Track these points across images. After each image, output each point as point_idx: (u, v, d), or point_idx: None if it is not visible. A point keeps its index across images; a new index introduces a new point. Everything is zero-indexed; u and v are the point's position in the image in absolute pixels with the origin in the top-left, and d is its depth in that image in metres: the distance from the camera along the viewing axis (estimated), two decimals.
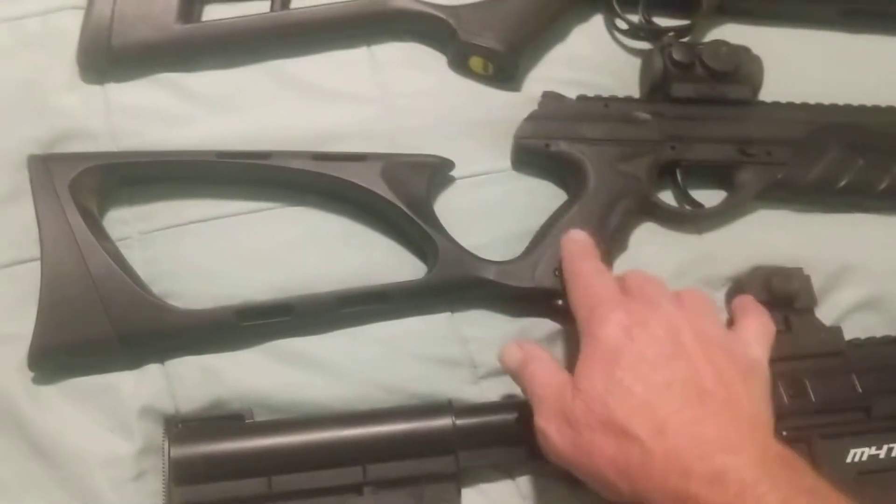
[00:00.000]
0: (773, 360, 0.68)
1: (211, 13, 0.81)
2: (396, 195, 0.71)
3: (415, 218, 0.71)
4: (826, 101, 0.81)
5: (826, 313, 0.75)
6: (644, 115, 0.78)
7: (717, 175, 0.79)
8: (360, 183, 0.71)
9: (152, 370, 0.69)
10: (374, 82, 0.81)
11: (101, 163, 0.70)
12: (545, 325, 0.73)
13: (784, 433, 0.66)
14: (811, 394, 0.67)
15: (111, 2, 0.76)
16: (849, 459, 0.66)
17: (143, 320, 0.67)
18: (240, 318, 0.68)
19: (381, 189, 0.71)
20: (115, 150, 0.74)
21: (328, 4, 0.79)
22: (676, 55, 0.79)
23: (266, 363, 0.69)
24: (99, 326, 0.65)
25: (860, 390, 0.68)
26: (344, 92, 0.80)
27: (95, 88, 0.77)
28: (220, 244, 0.73)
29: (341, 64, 0.81)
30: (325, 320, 0.70)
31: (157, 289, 0.71)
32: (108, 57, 0.76)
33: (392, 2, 0.80)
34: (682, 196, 0.79)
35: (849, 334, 0.72)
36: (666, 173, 0.79)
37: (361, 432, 0.65)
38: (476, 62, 0.80)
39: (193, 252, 0.73)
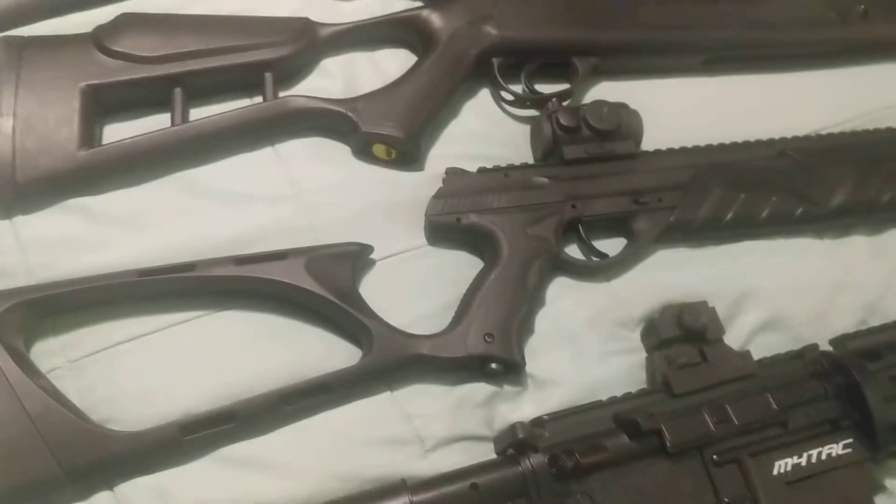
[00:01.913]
0: (696, 391, 0.74)
1: (111, 133, 0.82)
2: (323, 287, 0.74)
3: (345, 306, 0.74)
4: (702, 143, 0.89)
5: (733, 339, 0.81)
6: (542, 180, 0.83)
7: (617, 225, 0.85)
8: (285, 280, 0.73)
9: (103, 498, 0.68)
10: (283, 180, 0.83)
11: (22, 299, 0.70)
12: (483, 389, 0.76)
13: (715, 457, 0.71)
14: (733, 417, 0.72)
15: (10, 138, 0.76)
16: (775, 472, 0.72)
17: (87, 451, 0.66)
18: (184, 433, 0.69)
19: (308, 283, 0.73)
20: (34, 283, 0.74)
21: (229, 112, 0.82)
22: (563, 120, 0.84)
23: (216, 473, 0.70)
24: (43, 464, 0.65)
25: (776, 407, 0.73)
26: (256, 193, 0.82)
27: (4, 225, 0.77)
28: (152, 361, 0.74)
29: (249, 166, 0.83)
30: (270, 420, 0.71)
31: (95, 416, 0.70)
32: (14, 193, 0.76)
33: (291, 102, 0.83)
34: (588, 249, 0.84)
35: (756, 355, 0.77)
36: (570, 230, 0.84)
37: None
38: (379, 149, 0.84)
39: (127, 373, 0.73)
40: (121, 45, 0.82)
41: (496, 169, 0.84)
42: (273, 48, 0.84)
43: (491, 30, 0.88)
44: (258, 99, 0.85)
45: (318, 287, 0.73)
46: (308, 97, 0.84)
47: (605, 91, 0.94)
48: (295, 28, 0.86)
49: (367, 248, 0.79)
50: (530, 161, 0.87)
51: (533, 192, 0.82)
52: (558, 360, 0.79)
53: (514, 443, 0.70)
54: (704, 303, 0.78)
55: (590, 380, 0.78)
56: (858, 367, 0.75)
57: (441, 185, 0.82)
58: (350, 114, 0.83)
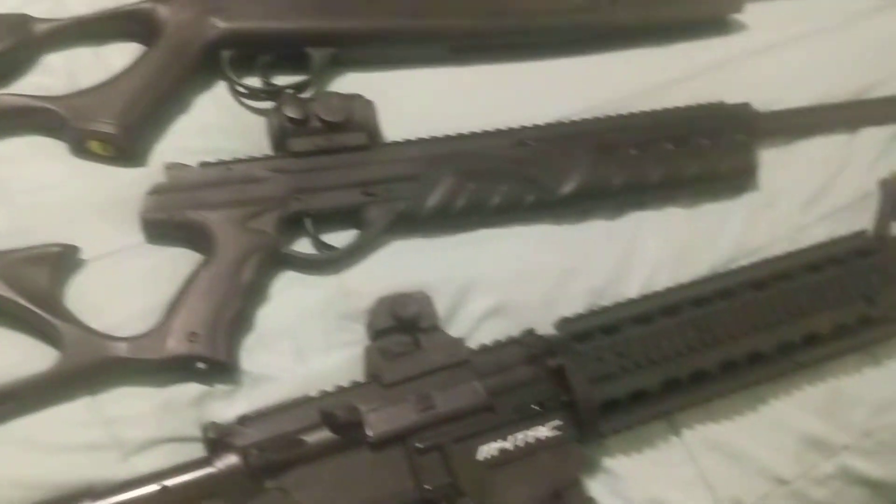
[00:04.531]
0: (406, 381, 0.75)
1: None
2: (14, 291, 0.72)
3: (35, 310, 0.72)
4: (442, 133, 0.90)
5: (461, 326, 0.83)
6: (266, 173, 0.83)
7: (348, 217, 0.85)
8: None
9: None
10: None
11: None
12: (193, 389, 0.76)
13: (418, 446, 0.72)
14: (438, 406, 0.74)
15: None
16: (479, 457, 0.73)
17: None
18: None
19: None
20: None
21: None
22: (289, 112, 0.84)
23: None
24: None
25: (484, 392, 0.75)
26: None
27: None
28: None
29: None
30: None
31: None
32: None
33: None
34: (317, 243, 0.84)
35: (484, 340, 0.80)
36: (298, 224, 0.84)
37: None
38: (95, 145, 0.83)
39: None
40: None
41: (219, 163, 0.83)
42: None
43: (218, 22, 0.88)
44: None
45: (8, 291, 0.72)
46: (14, 95, 0.82)
47: (351, 82, 0.94)
48: (5, 24, 0.83)
49: (71, 249, 0.77)
50: (265, 155, 0.87)
51: (255, 186, 0.82)
52: (279, 355, 0.79)
53: (210, 442, 0.71)
54: (420, 292, 0.79)
55: (311, 374, 0.78)
56: (565, 349, 0.77)
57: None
58: (59, 110, 0.81)
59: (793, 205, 0.96)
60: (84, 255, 0.79)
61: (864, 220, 0.94)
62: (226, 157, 0.84)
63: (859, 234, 0.91)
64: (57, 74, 0.87)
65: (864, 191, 0.98)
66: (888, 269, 0.88)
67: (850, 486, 0.85)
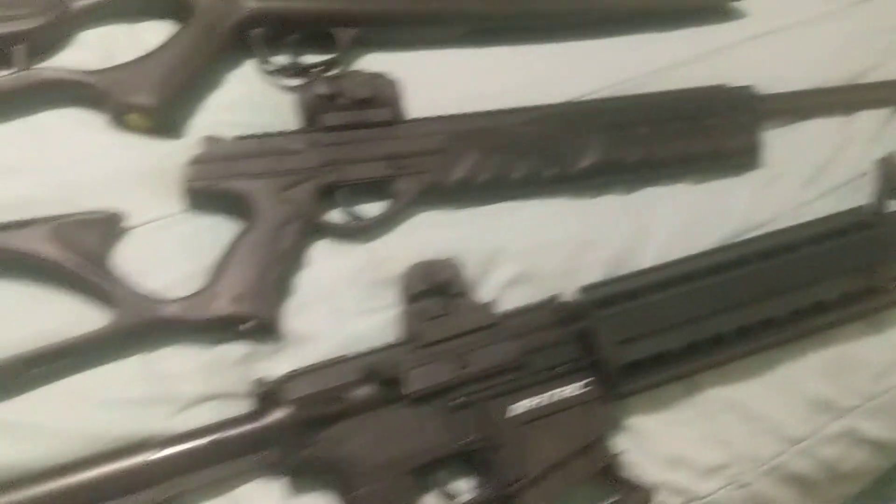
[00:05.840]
0: (440, 342, 0.82)
1: None
2: (66, 255, 0.78)
3: (88, 273, 0.78)
4: (461, 111, 0.96)
5: (487, 293, 0.89)
6: (299, 146, 0.89)
7: (377, 189, 0.92)
8: (25, 249, 0.77)
9: None
10: (35, 153, 0.87)
11: None
12: (239, 349, 0.82)
13: (454, 402, 0.79)
14: (471, 365, 0.81)
15: None
16: (510, 414, 0.80)
17: None
18: None
19: (50, 252, 0.78)
20: None
21: None
22: (320, 89, 0.91)
23: None
24: None
25: (513, 353, 0.82)
26: (4, 166, 0.85)
27: None
28: None
29: None
30: (14, 384, 0.75)
31: None
32: None
33: (37, 74, 0.87)
34: (349, 213, 0.91)
35: (508, 306, 0.86)
36: (331, 194, 0.90)
37: (62, 484, 0.70)
38: (134, 118, 0.89)
39: None
40: None
41: (253, 136, 0.89)
42: (20, 21, 0.87)
43: (248, 1, 0.94)
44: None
45: (60, 255, 0.78)
46: (56, 68, 0.87)
47: (374, 61, 1.01)
48: (43, 2, 0.89)
49: (117, 216, 0.83)
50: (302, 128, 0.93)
51: (289, 158, 0.89)
52: (317, 318, 0.85)
53: (259, 397, 0.77)
54: (450, 258, 0.86)
55: (347, 336, 0.85)
56: (590, 314, 0.84)
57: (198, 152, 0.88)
58: (101, 84, 0.87)
59: (794, 182, 1.04)
60: (126, 223, 0.85)
61: (859, 198, 1.02)
62: (254, 131, 0.90)
63: (858, 210, 0.99)
64: (93, 50, 0.93)
65: (859, 170, 1.06)
66: (886, 243, 0.96)
67: (855, 446, 0.93)
